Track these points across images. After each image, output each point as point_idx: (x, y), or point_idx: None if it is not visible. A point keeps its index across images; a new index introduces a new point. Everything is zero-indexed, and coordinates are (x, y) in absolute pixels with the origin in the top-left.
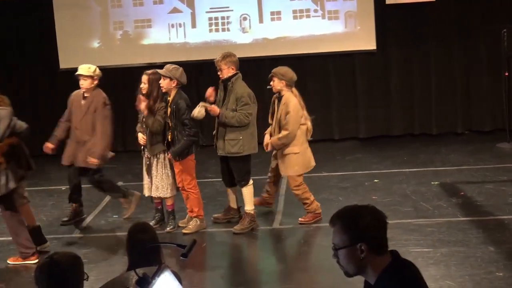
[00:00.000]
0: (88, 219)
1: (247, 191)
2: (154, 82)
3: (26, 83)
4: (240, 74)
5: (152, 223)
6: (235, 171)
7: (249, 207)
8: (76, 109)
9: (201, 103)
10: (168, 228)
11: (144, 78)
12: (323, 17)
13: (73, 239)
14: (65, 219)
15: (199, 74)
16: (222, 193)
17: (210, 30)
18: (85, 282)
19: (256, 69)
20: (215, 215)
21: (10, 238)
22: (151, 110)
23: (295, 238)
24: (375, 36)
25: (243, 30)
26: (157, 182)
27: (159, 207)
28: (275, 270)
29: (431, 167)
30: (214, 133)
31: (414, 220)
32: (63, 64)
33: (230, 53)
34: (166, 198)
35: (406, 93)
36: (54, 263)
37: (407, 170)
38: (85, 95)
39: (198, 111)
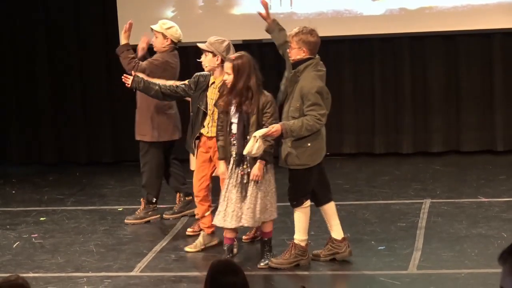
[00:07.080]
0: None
1: (300, 215)
2: (240, 69)
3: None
4: (314, 61)
5: None
6: (290, 186)
7: (299, 235)
8: None
9: (255, 134)
10: (262, 264)
11: (228, 65)
12: None
13: (131, 278)
14: None
15: None
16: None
17: None
18: None
19: (391, 50)
20: (315, 252)
21: None
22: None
23: None
24: None
25: None
26: (267, 201)
27: (233, 244)
28: None
29: None
30: None
31: None
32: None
33: (309, 30)
34: (267, 222)
35: None
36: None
37: None
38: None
39: (257, 147)
